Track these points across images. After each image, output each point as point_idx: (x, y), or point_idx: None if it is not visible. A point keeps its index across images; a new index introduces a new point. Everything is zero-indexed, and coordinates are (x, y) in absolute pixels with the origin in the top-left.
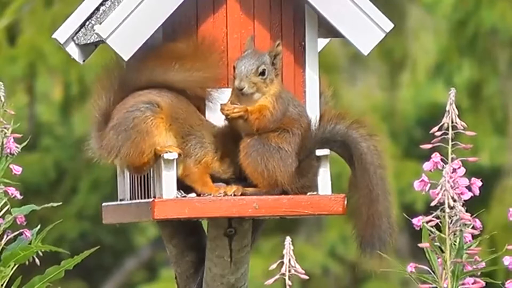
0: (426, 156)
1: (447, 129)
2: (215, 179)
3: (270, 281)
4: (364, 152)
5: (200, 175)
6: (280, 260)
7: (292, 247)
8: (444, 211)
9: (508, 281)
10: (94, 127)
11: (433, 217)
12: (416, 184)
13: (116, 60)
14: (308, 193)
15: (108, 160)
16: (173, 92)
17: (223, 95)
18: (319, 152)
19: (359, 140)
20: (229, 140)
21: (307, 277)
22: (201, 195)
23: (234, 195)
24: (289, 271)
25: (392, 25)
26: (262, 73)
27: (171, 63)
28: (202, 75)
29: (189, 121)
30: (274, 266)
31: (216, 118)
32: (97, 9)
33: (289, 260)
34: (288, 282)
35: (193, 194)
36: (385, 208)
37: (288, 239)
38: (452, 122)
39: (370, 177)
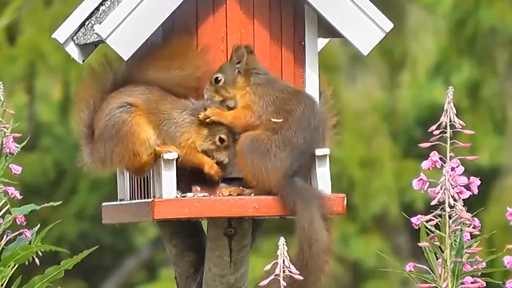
0: (426, 156)
1: (445, 127)
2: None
3: (265, 281)
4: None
5: (191, 155)
6: (274, 261)
7: (286, 248)
8: (444, 210)
9: (509, 280)
10: (83, 141)
11: (433, 216)
12: (415, 183)
13: (90, 69)
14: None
15: (105, 170)
16: (143, 84)
17: None
18: (319, 152)
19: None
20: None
21: (301, 278)
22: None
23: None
24: (284, 271)
25: (392, 25)
26: (216, 81)
27: (150, 62)
28: (179, 74)
29: (160, 109)
30: (268, 267)
31: None
32: (97, 9)
33: (283, 260)
34: (282, 283)
35: (192, 194)
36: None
37: (282, 239)
38: (450, 121)
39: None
